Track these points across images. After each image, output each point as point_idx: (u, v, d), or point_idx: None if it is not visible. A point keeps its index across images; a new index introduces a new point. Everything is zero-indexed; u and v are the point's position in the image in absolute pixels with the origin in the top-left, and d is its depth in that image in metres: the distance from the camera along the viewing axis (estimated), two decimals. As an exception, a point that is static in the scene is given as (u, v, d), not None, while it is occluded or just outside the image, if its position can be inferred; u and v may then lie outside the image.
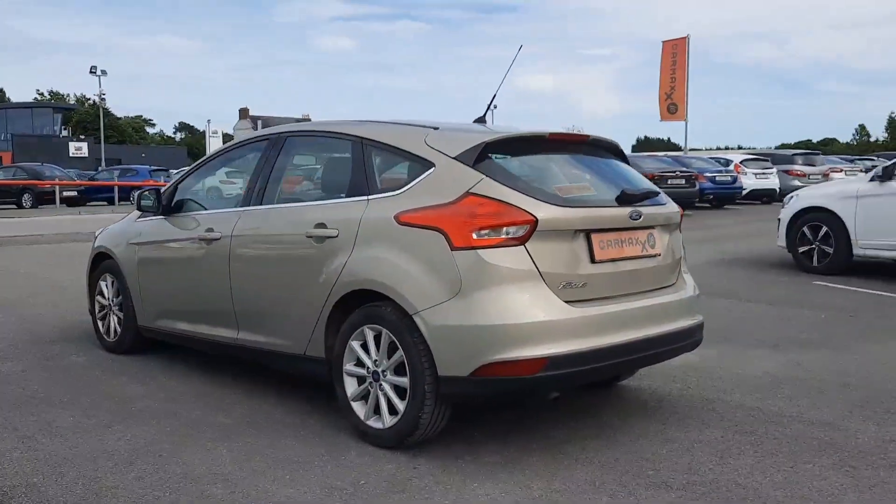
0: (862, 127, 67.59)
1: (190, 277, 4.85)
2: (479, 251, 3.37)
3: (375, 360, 3.68)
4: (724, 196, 22.39)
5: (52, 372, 5.09)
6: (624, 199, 3.82)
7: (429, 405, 3.48)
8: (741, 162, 23.99)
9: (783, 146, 56.07)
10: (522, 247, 3.41)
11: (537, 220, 3.42)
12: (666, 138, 74.24)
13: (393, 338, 3.58)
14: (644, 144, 76.82)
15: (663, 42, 31.35)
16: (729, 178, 22.40)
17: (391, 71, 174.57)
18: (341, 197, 4.05)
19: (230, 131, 67.70)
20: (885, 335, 6.10)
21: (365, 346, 3.74)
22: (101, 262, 5.73)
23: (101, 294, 5.73)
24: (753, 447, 3.68)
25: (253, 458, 3.56)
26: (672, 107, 30.70)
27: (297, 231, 4.09)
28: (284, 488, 3.23)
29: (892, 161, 9.05)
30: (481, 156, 3.62)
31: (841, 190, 9.37)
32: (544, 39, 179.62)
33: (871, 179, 8.86)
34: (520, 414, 4.15)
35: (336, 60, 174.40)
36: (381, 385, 3.67)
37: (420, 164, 3.75)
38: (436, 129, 3.90)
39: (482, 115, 4.40)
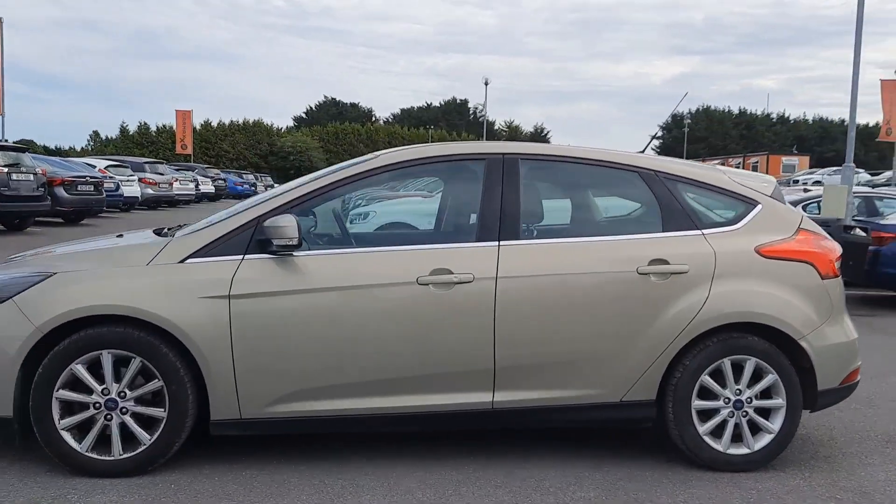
0: (96, 133, 66.43)
1: (395, 335, 3.68)
2: (839, 279, 4.02)
3: (738, 390, 3.79)
4: (110, 205, 19.45)
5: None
6: None
7: (799, 420, 3.85)
8: (106, 167, 21.09)
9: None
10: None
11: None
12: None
13: (763, 364, 3.80)
14: None
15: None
16: (113, 185, 19.67)
17: None
18: (657, 231, 3.95)
19: None
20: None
21: (718, 378, 3.81)
22: (78, 334, 3.50)
23: (78, 388, 3.50)
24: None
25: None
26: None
27: (624, 269, 3.79)
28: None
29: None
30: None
31: None
32: None
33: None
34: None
35: None
36: (744, 412, 3.81)
37: (743, 202, 4.06)
38: (713, 165, 4.15)
39: (643, 148, 4.59)
